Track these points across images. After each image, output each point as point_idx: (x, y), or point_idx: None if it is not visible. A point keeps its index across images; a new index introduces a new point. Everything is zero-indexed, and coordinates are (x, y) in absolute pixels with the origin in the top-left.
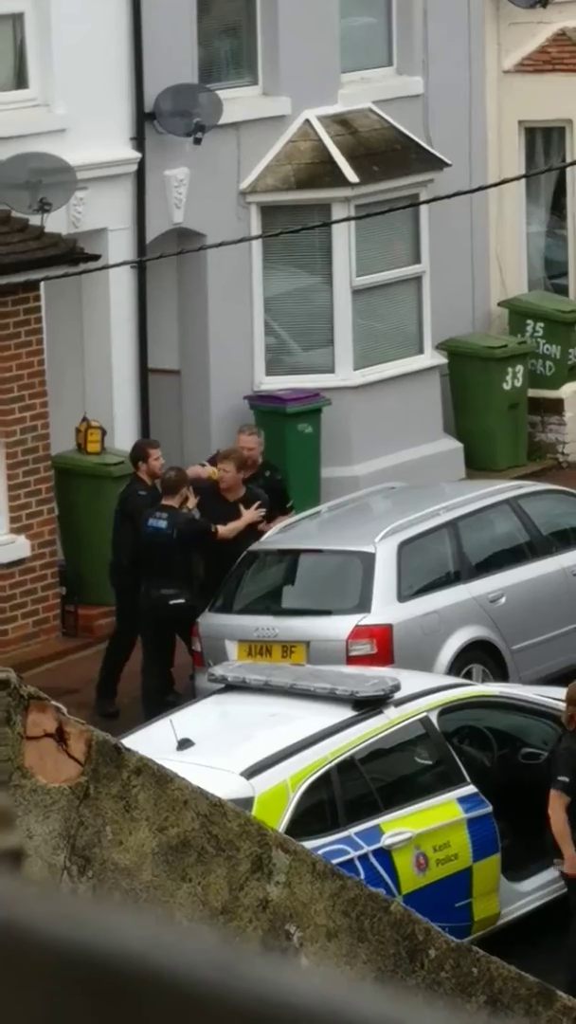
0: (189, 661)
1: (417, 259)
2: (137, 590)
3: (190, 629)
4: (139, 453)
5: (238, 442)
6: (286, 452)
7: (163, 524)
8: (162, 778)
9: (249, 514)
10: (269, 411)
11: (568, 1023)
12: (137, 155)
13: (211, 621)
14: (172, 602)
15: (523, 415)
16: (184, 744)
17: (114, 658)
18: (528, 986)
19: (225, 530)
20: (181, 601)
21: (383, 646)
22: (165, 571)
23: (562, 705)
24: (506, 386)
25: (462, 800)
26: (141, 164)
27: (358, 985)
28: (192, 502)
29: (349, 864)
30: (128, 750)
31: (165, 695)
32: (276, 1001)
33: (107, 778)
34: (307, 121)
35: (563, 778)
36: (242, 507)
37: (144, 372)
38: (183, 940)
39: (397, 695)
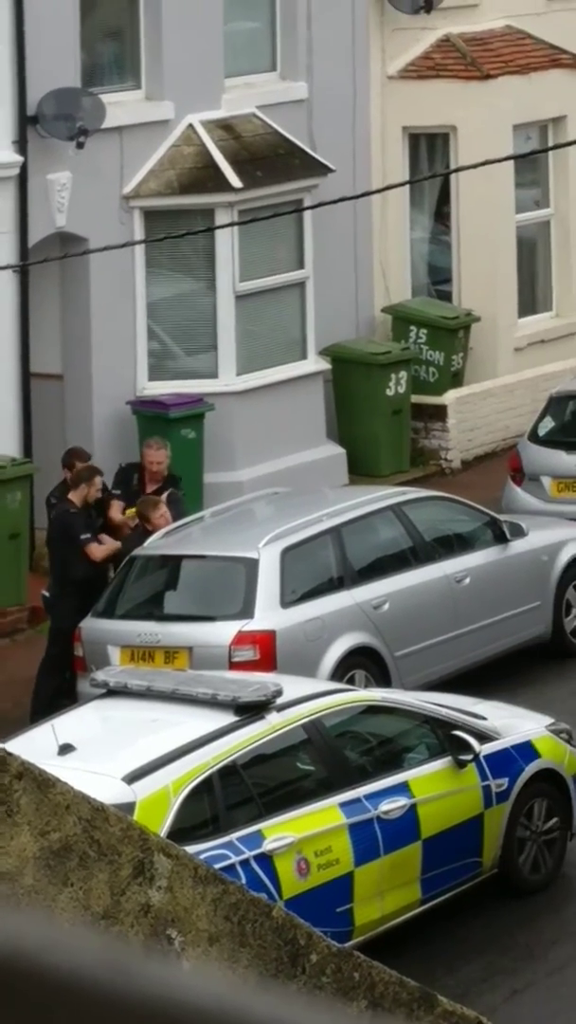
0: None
1: (301, 265)
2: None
3: (57, 626)
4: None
5: (144, 456)
6: (170, 457)
7: (52, 516)
8: (44, 783)
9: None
10: (152, 416)
11: None
12: (19, 159)
13: (94, 626)
14: (42, 593)
15: (406, 421)
16: (65, 749)
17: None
18: (409, 991)
19: (99, 551)
20: (44, 594)
21: (266, 652)
22: (51, 564)
23: (446, 712)
24: (389, 392)
25: (344, 805)
26: (23, 168)
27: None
28: (93, 494)
29: (231, 869)
30: (10, 754)
31: (57, 699)
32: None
33: None
34: (190, 126)
35: None
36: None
37: (26, 376)
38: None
39: (279, 700)
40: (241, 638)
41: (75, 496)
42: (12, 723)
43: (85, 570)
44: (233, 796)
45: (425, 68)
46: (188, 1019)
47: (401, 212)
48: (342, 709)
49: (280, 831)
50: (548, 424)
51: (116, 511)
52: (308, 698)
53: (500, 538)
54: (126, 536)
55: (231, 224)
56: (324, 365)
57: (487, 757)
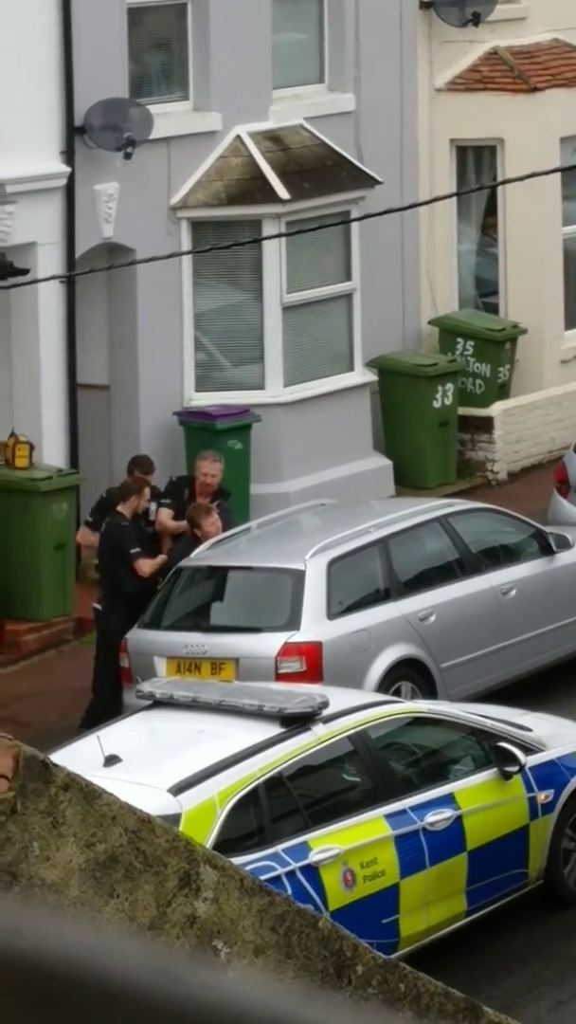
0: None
1: (348, 276)
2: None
3: (105, 637)
4: (129, 468)
5: (197, 468)
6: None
7: (103, 529)
8: (90, 794)
9: (158, 559)
10: (199, 427)
11: None
12: (67, 169)
13: (140, 637)
14: (94, 605)
15: (453, 433)
16: (111, 760)
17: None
18: (455, 1002)
19: (147, 567)
20: (96, 607)
21: (312, 663)
22: (102, 576)
23: (491, 723)
24: (436, 404)
25: (389, 817)
26: (71, 178)
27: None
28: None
29: (276, 880)
30: (56, 765)
31: (104, 711)
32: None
33: (35, 794)
34: (238, 137)
35: None
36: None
37: (73, 387)
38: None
39: (325, 712)
40: (287, 649)
41: (125, 508)
42: (58, 735)
43: (134, 584)
44: (279, 807)
45: (472, 81)
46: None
47: (448, 224)
48: (388, 721)
49: (326, 842)
50: None
51: (166, 518)
52: (354, 710)
53: (546, 550)
54: (173, 546)
55: (278, 235)
56: (371, 377)
57: (533, 769)
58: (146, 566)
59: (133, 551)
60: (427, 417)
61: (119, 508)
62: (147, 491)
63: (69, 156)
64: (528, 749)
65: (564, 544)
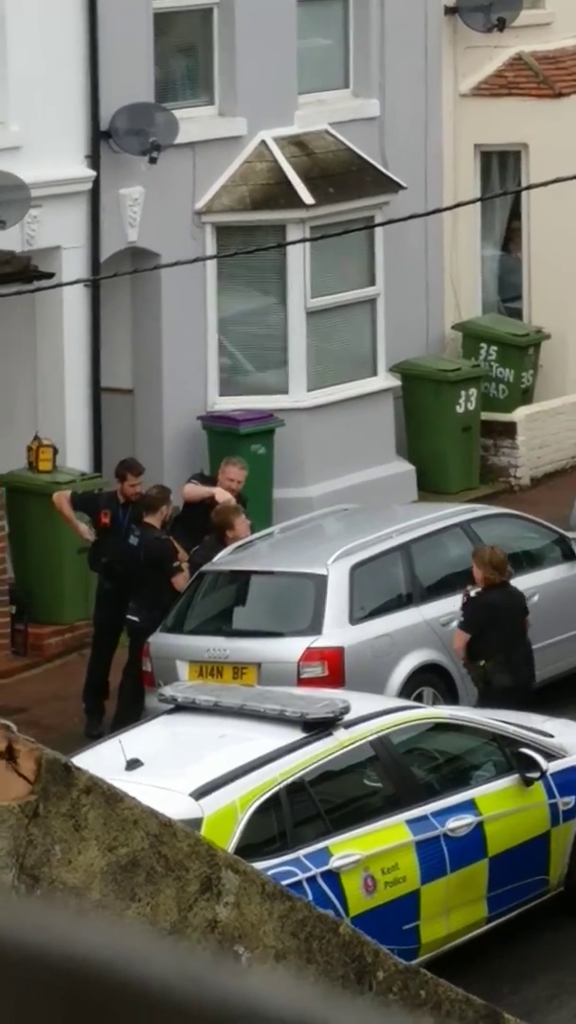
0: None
1: (372, 281)
2: (106, 600)
3: (140, 649)
4: (120, 472)
5: (223, 473)
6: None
7: (135, 542)
8: (112, 797)
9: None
10: (222, 431)
11: None
12: (92, 173)
13: (162, 641)
14: (127, 616)
15: (476, 438)
16: (133, 764)
17: (93, 670)
18: (476, 1009)
19: (182, 582)
20: (133, 619)
21: (334, 668)
22: (133, 588)
23: (513, 729)
24: (459, 409)
25: (411, 823)
26: (96, 182)
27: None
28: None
29: (297, 886)
30: (78, 769)
31: (137, 707)
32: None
33: (57, 797)
34: (263, 142)
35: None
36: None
37: (97, 391)
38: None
39: (347, 717)
40: (310, 654)
41: (155, 520)
42: (80, 738)
43: (171, 597)
44: (300, 813)
45: (497, 86)
46: None
47: (472, 229)
48: (410, 726)
49: (347, 848)
50: None
51: (195, 489)
52: (376, 715)
53: (568, 555)
54: (196, 549)
55: (303, 240)
56: (394, 382)
57: (554, 775)
58: (181, 581)
59: (175, 565)
60: (450, 422)
61: (148, 520)
62: (171, 498)
63: (94, 160)
64: (550, 755)
65: None
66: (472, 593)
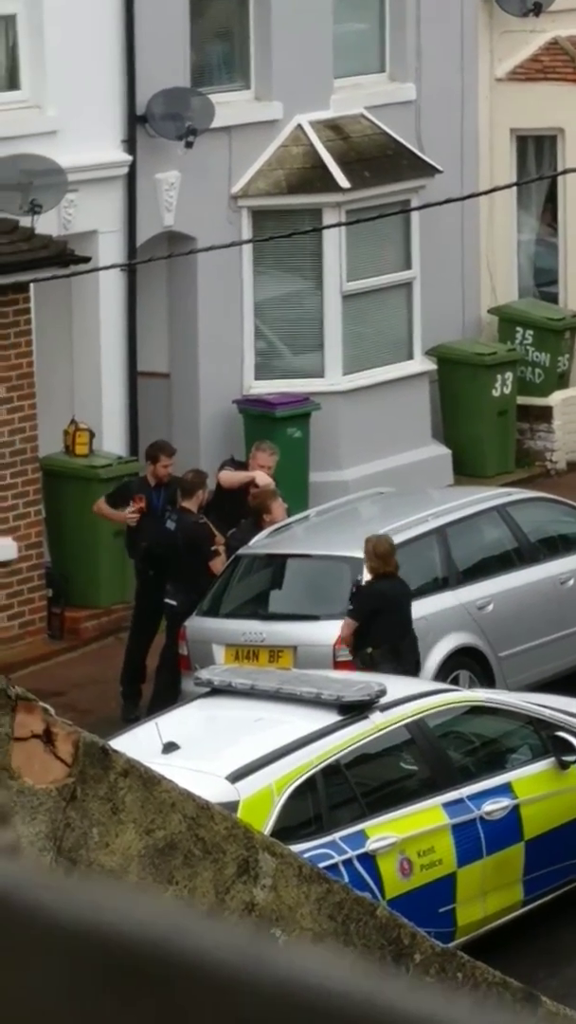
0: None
1: (408, 265)
2: (147, 585)
3: (177, 632)
4: (151, 454)
5: (254, 458)
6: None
7: (173, 526)
8: (149, 780)
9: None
10: (258, 415)
11: None
12: (128, 158)
13: (198, 625)
14: (165, 600)
15: (512, 422)
16: (169, 747)
17: (131, 654)
18: (513, 991)
19: (220, 565)
20: (171, 603)
21: None
22: (172, 572)
23: (549, 713)
24: (495, 393)
25: (447, 806)
26: (132, 167)
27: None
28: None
29: (333, 868)
30: (115, 752)
31: (174, 691)
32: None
33: (94, 780)
34: (299, 126)
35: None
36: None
37: (133, 375)
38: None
39: (383, 700)
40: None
41: (191, 504)
42: (117, 721)
43: (209, 581)
44: (336, 795)
45: (533, 71)
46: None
47: (508, 214)
48: (445, 709)
49: (383, 831)
50: None
51: (234, 475)
52: (411, 698)
53: None
54: (233, 532)
55: (339, 224)
56: (430, 365)
57: None
58: (219, 564)
59: (212, 549)
60: (486, 406)
61: (185, 504)
62: (207, 482)
63: (131, 145)
64: None
65: None
66: (362, 582)
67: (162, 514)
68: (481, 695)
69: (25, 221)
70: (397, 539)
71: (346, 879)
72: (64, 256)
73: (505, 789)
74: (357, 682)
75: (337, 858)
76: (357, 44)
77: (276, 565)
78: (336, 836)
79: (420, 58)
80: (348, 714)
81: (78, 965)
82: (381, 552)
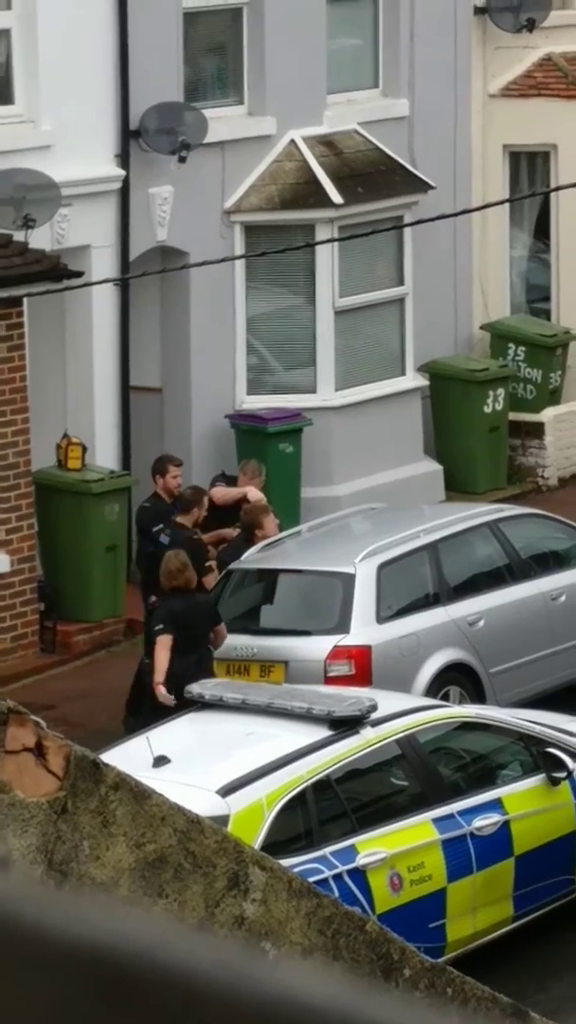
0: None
1: (400, 281)
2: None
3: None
4: (158, 467)
5: (239, 481)
6: (267, 471)
7: (166, 541)
8: (140, 794)
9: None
10: (250, 430)
11: None
12: (121, 172)
13: None
14: (148, 611)
15: (503, 438)
16: (160, 761)
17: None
18: (502, 1006)
19: (213, 580)
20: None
21: (361, 667)
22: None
23: (540, 729)
24: (487, 409)
25: (437, 821)
26: (125, 181)
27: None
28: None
29: (324, 883)
30: (106, 765)
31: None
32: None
33: (85, 793)
34: (292, 141)
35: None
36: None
37: (126, 389)
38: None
39: (374, 715)
40: (337, 653)
41: (187, 520)
42: (108, 735)
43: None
44: (327, 810)
45: (526, 87)
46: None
47: (501, 230)
48: (436, 725)
49: (373, 846)
50: None
51: (227, 492)
52: (402, 713)
53: None
54: (224, 548)
55: (331, 240)
56: (422, 381)
57: None
58: (211, 579)
59: (208, 564)
60: (478, 422)
61: (180, 519)
62: (205, 500)
63: (124, 159)
64: None
65: None
66: (155, 600)
67: (158, 531)
68: (472, 711)
69: (18, 236)
70: (388, 555)
71: (336, 894)
72: (57, 271)
73: (495, 805)
74: (348, 697)
75: (327, 873)
76: (351, 60)
77: (268, 580)
78: (326, 851)
79: (413, 74)
80: (339, 729)
81: (68, 978)
82: (167, 570)
